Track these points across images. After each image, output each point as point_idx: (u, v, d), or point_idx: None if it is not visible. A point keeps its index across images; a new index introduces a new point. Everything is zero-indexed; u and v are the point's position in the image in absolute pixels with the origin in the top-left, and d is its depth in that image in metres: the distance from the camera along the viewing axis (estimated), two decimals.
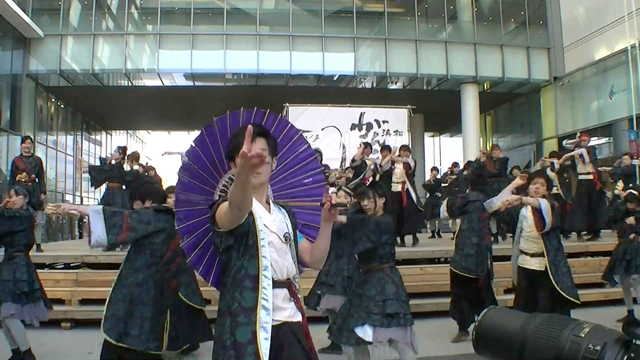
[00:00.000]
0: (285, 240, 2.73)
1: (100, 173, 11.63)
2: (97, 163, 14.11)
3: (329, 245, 2.88)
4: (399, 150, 11.78)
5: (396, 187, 11.39)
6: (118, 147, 12.05)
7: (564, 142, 12.83)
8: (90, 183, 12.00)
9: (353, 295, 5.31)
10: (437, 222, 15.04)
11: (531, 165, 22.74)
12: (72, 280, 9.06)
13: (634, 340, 1.22)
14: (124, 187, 11.49)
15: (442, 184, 14.87)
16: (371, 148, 12.13)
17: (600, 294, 9.18)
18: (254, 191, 2.56)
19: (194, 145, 2.92)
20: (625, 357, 1.20)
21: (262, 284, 2.56)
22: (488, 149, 26.13)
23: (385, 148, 12.18)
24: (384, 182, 11.28)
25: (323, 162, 12.01)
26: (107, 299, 5.10)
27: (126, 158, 11.93)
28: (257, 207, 2.67)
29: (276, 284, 2.64)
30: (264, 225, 2.65)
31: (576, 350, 1.23)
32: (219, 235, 2.60)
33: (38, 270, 6.65)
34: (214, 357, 2.64)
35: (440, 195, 14.49)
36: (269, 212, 2.76)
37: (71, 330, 8.27)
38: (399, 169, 11.53)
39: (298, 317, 2.75)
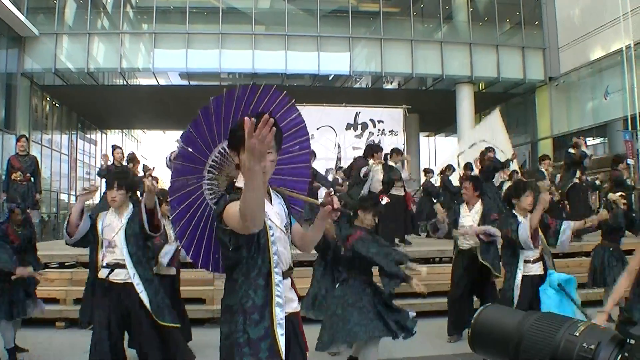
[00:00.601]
0: (286, 230, 2.76)
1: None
2: (90, 162, 14.11)
3: (320, 236, 2.98)
4: (390, 154, 11.74)
5: (400, 191, 11.46)
6: (115, 145, 12.05)
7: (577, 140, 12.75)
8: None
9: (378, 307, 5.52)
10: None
11: (526, 165, 22.80)
12: (66, 280, 9.05)
13: (628, 340, 1.22)
14: None
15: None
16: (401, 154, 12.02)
17: (595, 293, 9.18)
18: None
19: (190, 129, 2.87)
20: (620, 356, 1.21)
21: (274, 280, 2.59)
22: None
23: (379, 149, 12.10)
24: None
25: (315, 165, 11.99)
26: (146, 299, 5.02)
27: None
28: None
29: (283, 275, 2.68)
30: (271, 220, 2.64)
31: (571, 349, 1.24)
32: (226, 233, 2.56)
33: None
34: (222, 355, 2.66)
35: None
36: (271, 204, 2.75)
37: (66, 330, 8.26)
38: (404, 171, 11.58)
39: (298, 306, 2.87)
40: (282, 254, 2.68)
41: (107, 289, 5.00)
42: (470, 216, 7.43)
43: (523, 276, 6.05)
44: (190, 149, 2.89)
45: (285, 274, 2.71)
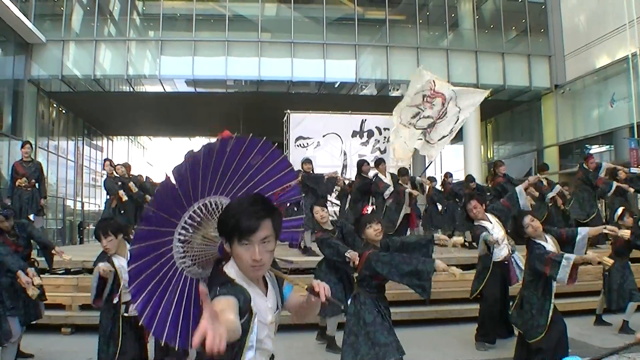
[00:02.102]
0: (276, 317, 2.49)
1: None
2: (96, 169, 14.31)
3: (314, 314, 2.73)
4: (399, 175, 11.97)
5: (406, 210, 11.58)
6: (107, 159, 12.66)
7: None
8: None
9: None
10: (439, 231, 14.97)
11: (532, 173, 22.75)
12: (72, 286, 9.07)
13: None
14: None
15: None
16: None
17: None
18: (254, 279, 2.36)
19: (172, 176, 2.29)
20: None
21: None
22: (489, 156, 26.21)
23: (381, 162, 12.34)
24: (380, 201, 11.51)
25: (318, 170, 12.21)
26: None
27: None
28: (256, 299, 2.33)
29: None
30: (259, 321, 2.33)
31: None
32: None
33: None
34: None
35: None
36: (266, 295, 2.45)
37: (71, 336, 8.29)
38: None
39: None
40: (263, 352, 2.39)
41: (127, 322, 5.18)
42: (498, 224, 7.42)
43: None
44: (167, 199, 2.37)
45: None
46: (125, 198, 11.87)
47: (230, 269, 2.32)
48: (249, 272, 2.29)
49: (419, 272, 5.10)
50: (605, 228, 6.18)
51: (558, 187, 12.91)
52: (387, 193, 11.60)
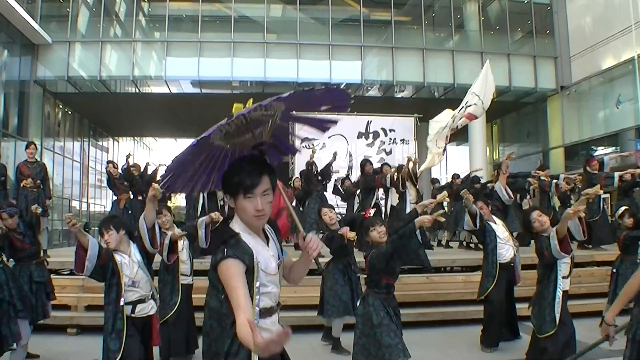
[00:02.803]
0: (278, 268, 2.69)
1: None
2: (102, 170, 14.41)
3: (307, 270, 2.89)
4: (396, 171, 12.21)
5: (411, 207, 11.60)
6: (110, 161, 12.78)
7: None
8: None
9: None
10: (446, 233, 14.90)
11: None
12: (78, 287, 9.09)
13: None
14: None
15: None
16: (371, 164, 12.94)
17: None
18: (255, 229, 2.63)
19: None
20: None
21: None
22: (494, 158, 26.15)
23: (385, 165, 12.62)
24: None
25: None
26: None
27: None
28: (259, 249, 2.58)
29: (270, 311, 2.63)
30: (262, 270, 2.56)
31: None
32: (219, 299, 2.50)
33: None
34: None
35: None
36: (267, 245, 2.70)
37: (77, 336, 8.31)
38: (412, 188, 11.76)
39: None
40: (273, 294, 2.63)
41: (132, 324, 5.05)
42: (503, 226, 7.46)
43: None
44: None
45: (274, 310, 2.66)
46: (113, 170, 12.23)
47: (235, 225, 2.62)
48: (253, 222, 2.58)
49: (407, 235, 5.05)
50: (582, 194, 6.18)
51: (562, 176, 12.89)
52: (388, 180, 12.19)
